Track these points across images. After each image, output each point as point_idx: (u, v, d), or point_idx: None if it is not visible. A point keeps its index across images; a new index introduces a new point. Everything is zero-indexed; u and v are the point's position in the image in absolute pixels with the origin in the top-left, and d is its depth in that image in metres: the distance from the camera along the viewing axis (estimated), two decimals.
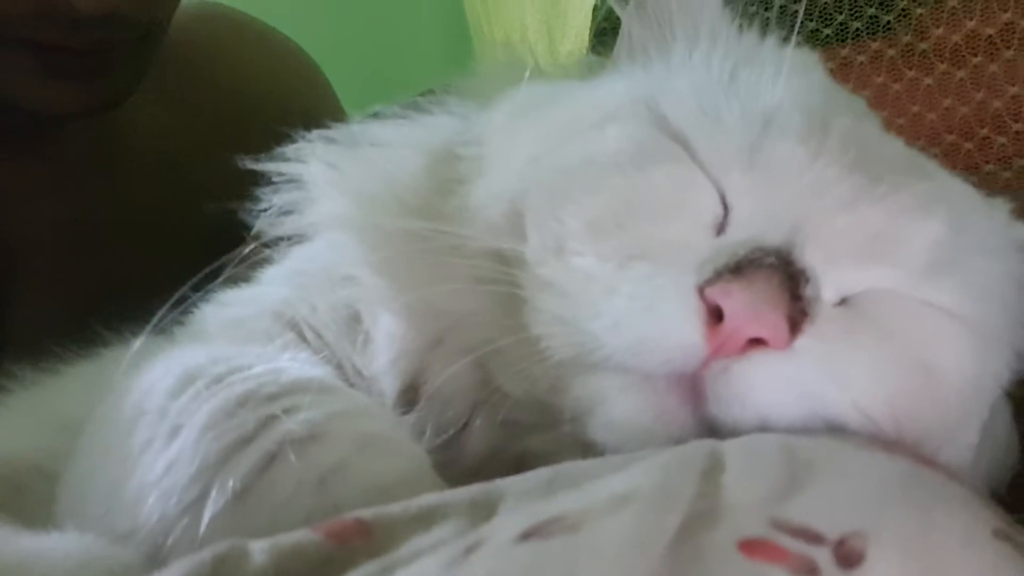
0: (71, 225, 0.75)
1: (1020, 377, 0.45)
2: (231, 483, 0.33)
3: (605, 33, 0.79)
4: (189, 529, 0.33)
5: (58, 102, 0.66)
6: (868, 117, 0.46)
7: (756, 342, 0.35)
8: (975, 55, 0.65)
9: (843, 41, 0.69)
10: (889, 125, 0.46)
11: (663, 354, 0.36)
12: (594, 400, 0.37)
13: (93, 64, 0.65)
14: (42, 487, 0.40)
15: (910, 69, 0.67)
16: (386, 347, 0.43)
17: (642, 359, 0.36)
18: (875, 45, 0.68)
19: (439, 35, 1.78)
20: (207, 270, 0.44)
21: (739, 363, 0.35)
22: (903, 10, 0.67)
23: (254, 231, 0.49)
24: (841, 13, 0.69)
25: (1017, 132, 0.63)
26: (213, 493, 0.33)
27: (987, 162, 0.64)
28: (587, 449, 0.37)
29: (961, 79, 0.65)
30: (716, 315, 0.35)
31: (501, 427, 0.42)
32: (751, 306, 0.35)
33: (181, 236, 0.75)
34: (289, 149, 0.48)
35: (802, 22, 0.46)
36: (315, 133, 0.48)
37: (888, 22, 0.68)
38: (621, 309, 0.36)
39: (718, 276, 0.36)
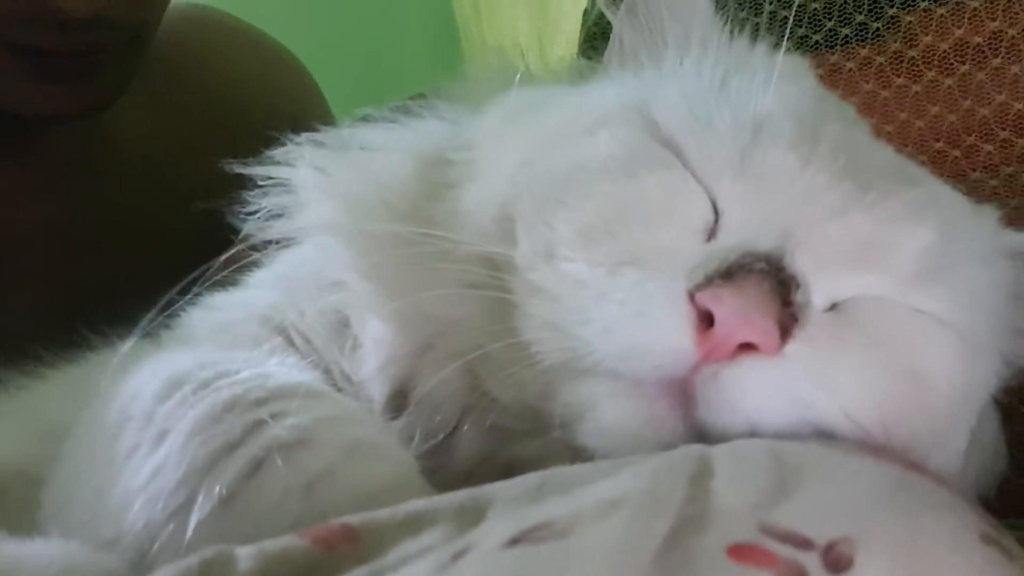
0: (58, 227, 0.75)
1: (1008, 384, 0.46)
2: (218, 489, 0.33)
3: (595, 38, 0.79)
4: (175, 535, 0.33)
5: (45, 105, 0.66)
6: (858, 124, 0.46)
7: (746, 347, 0.35)
8: (963, 63, 0.65)
9: (832, 48, 0.69)
10: (877, 132, 0.47)
11: (654, 359, 0.36)
12: (584, 406, 0.37)
13: (81, 67, 0.65)
14: (26, 493, 0.40)
15: (898, 76, 0.67)
16: (375, 352, 0.43)
17: (632, 364, 0.36)
18: (864, 52, 0.69)
19: (428, 39, 1.79)
20: (194, 274, 0.44)
21: (729, 368, 0.35)
22: (892, 17, 0.68)
23: (242, 234, 0.48)
24: (830, 19, 0.69)
25: (1004, 140, 0.64)
26: (199, 499, 0.33)
27: (974, 169, 0.64)
28: (576, 455, 0.37)
29: (949, 87, 0.65)
30: (707, 320, 0.35)
31: (490, 433, 0.42)
32: (742, 311, 0.35)
33: (168, 239, 0.74)
34: (277, 152, 0.48)
35: (791, 28, 0.46)
36: (304, 136, 0.48)
37: (877, 29, 0.68)
38: (612, 314, 0.36)
39: (709, 281, 0.36)
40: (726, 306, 0.35)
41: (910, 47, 0.67)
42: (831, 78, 0.68)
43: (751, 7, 0.68)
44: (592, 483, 0.31)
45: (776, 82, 0.42)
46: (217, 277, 0.47)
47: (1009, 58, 0.64)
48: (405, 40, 1.72)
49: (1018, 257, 0.45)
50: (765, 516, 0.28)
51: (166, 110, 0.82)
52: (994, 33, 0.64)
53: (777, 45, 0.46)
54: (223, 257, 0.46)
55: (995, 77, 0.64)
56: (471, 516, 0.31)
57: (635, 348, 0.36)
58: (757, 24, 0.48)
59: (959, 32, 0.65)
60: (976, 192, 0.49)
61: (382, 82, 1.46)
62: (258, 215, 0.47)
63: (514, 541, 0.28)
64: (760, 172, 0.40)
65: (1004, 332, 0.44)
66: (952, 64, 0.65)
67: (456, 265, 0.41)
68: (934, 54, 0.66)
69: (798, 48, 0.65)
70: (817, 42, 0.70)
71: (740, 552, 0.27)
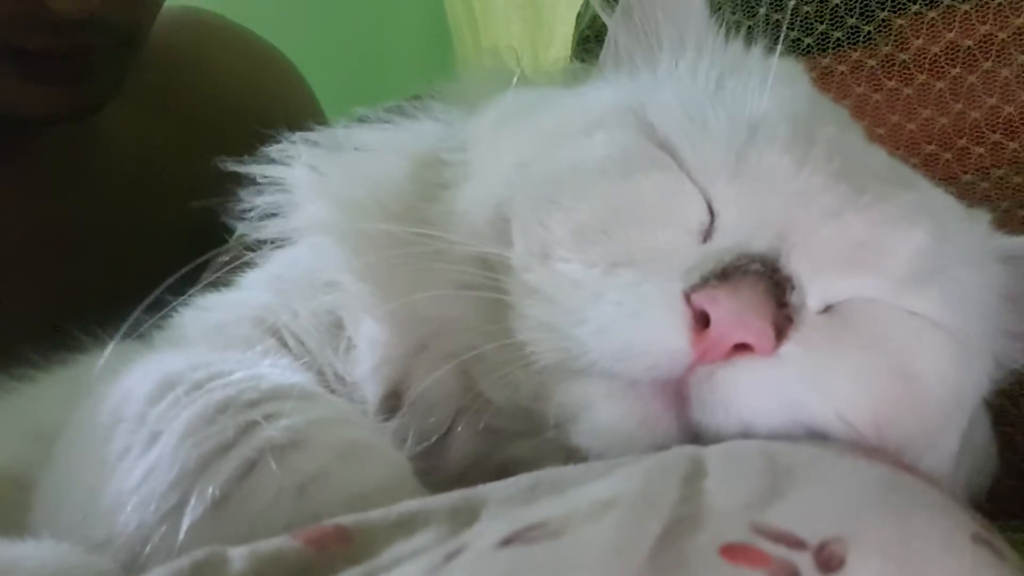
0: (50, 229, 0.74)
1: (999, 386, 0.46)
2: (210, 490, 0.33)
3: (588, 41, 0.79)
4: (167, 537, 0.33)
5: (37, 106, 0.66)
6: (852, 127, 0.47)
7: (741, 348, 0.35)
8: (954, 66, 0.65)
9: (824, 51, 0.69)
10: (869, 135, 0.47)
11: (649, 360, 0.36)
12: (578, 406, 0.37)
13: (73, 69, 0.65)
14: (17, 496, 0.40)
15: (890, 79, 0.68)
16: (369, 353, 0.43)
17: (627, 365, 0.36)
18: (855, 55, 0.69)
19: (421, 41, 1.79)
20: (181, 271, 0.44)
21: (724, 369, 0.35)
22: (883, 21, 0.68)
23: (236, 234, 0.48)
24: (822, 23, 0.70)
25: (995, 143, 0.64)
26: (192, 500, 0.33)
27: (965, 172, 0.65)
28: (570, 456, 0.37)
29: (940, 90, 0.66)
30: (702, 321, 0.35)
31: (484, 434, 0.42)
32: (737, 312, 0.35)
33: (161, 241, 0.74)
34: (272, 151, 0.47)
35: (783, 31, 0.46)
36: (298, 136, 0.48)
37: (868, 32, 0.68)
38: (607, 315, 0.37)
39: (704, 282, 0.36)
40: (722, 307, 0.35)
41: (901, 50, 0.67)
42: (823, 81, 0.68)
43: (744, 10, 0.69)
44: (585, 484, 0.31)
45: (771, 85, 0.42)
46: (210, 278, 0.46)
47: (1000, 61, 0.64)
48: (397, 43, 1.72)
49: (1009, 261, 0.45)
50: (758, 516, 0.28)
51: (158, 112, 0.82)
52: (985, 36, 0.64)
53: (771, 48, 0.46)
54: (222, 259, 0.46)
55: (986, 80, 0.64)
56: (464, 517, 0.31)
57: (630, 348, 0.36)
58: (751, 27, 0.48)
59: (950, 35, 0.65)
60: (967, 194, 0.49)
61: (374, 85, 1.46)
62: (252, 214, 0.47)
63: (507, 541, 0.28)
64: (755, 174, 0.40)
65: (996, 334, 0.44)
66: (943, 67, 0.66)
67: (451, 266, 0.41)
68: (925, 57, 0.66)
69: (790, 51, 0.66)
70: (809, 45, 0.70)
71: (733, 552, 0.27)
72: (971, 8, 0.65)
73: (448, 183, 0.45)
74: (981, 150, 0.64)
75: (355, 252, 0.44)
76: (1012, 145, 0.63)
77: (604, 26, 0.51)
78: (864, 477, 0.32)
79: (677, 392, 0.36)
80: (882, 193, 0.40)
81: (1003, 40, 0.64)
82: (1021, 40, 0.63)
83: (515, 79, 0.49)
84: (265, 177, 0.47)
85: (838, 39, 0.69)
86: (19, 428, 0.46)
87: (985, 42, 0.64)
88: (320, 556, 0.29)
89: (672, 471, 0.31)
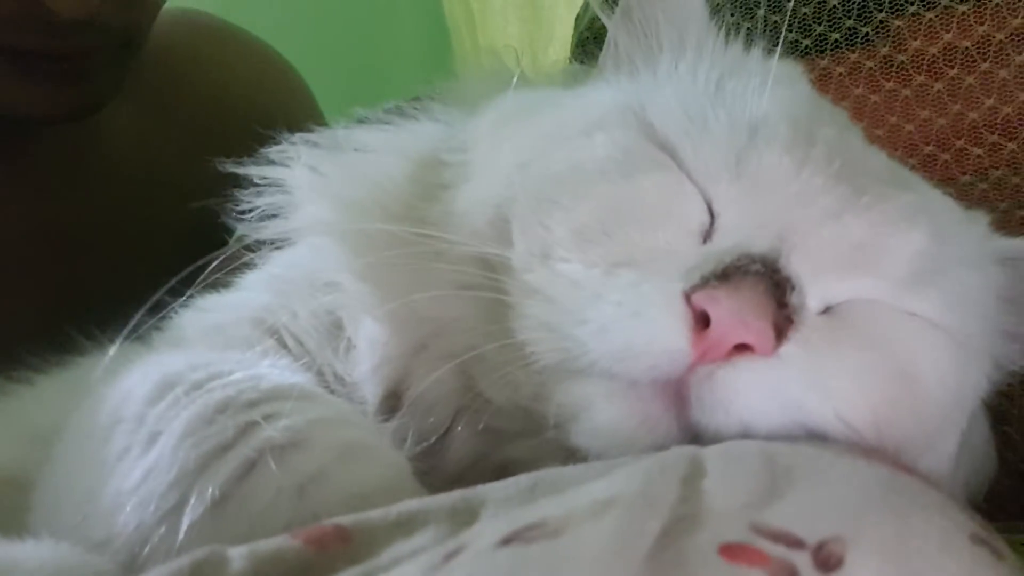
0: (48, 230, 0.74)
1: (998, 387, 0.46)
2: (210, 490, 0.33)
3: (587, 42, 0.80)
4: (167, 537, 0.33)
5: (35, 107, 0.66)
6: (851, 129, 0.47)
7: (742, 348, 0.36)
8: (952, 67, 0.65)
9: (822, 52, 0.70)
10: (868, 136, 0.47)
11: (649, 360, 0.36)
12: (578, 406, 0.37)
13: (71, 70, 0.65)
14: (15, 497, 0.40)
15: (888, 81, 0.68)
16: (369, 353, 0.43)
17: (628, 365, 0.36)
18: (853, 57, 0.69)
19: (419, 43, 1.79)
20: (181, 274, 0.44)
21: (724, 369, 0.36)
22: (881, 22, 0.68)
23: (236, 235, 0.48)
24: (820, 24, 0.70)
25: (993, 144, 0.64)
26: (192, 500, 0.33)
27: (963, 173, 0.65)
28: (569, 456, 0.37)
29: (938, 91, 0.66)
30: (702, 321, 0.35)
31: (483, 434, 0.42)
32: (737, 312, 0.35)
33: (160, 242, 0.74)
34: (272, 152, 0.48)
35: (782, 33, 0.46)
36: (298, 136, 0.48)
37: (866, 34, 0.68)
38: (608, 315, 0.37)
39: (705, 282, 0.36)
40: (722, 307, 0.35)
41: (899, 52, 0.67)
42: (821, 83, 0.68)
43: (743, 12, 0.69)
44: (584, 483, 0.31)
45: (771, 86, 0.42)
46: (209, 279, 0.46)
47: (997, 62, 0.64)
48: (396, 44, 1.72)
49: (1007, 262, 0.45)
50: (756, 516, 0.28)
51: (158, 113, 0.82)
52: (982, 37, 0.64)
53: (770, 50, 0.46)
54: (219, 259, 0.46)
55: (984, 81, 0.64)
56: (464, 517, 0.31)
57: (631, 348, 0.36)
58: (749, 28, 0.48)
59: (948, 36, 0.66)
60: (965, 195, 0.49)
61: (373, 86, 1.46)
62: (252, 214, 0.47)
63: (506, 541, 0.28)
64: (755, 175, 0.40)
65: (994, 336, 0.44)
66: (941, 68, 0.66)
67: (451, 266, 0.41)
68: (923, 58, 0.66)
69: (788, 53, 0.66)
70: (807, 47, 0.70)
71: (732, 551, 0.27)
72: (969, 9, 0.65)
73: (448, 183, 0.45)
74: (979, 151, 0.64)
75: (355, 252, 0.44)
76: (1010, 146, 0.63)
77: (603, 27, 0.51)
78: (863, 477, 0.32)
79: (677, 392, 0.36)
80: (882, 194, 0.40)
81: (1001, 41, 0.64)
82: (1019, 41, 0.64)
83: (515, 80, 0.49)
84: (265, 178, 0.47)
85: (836, 40, 0.69)
86: (18, 429, 0.46)
87: (983, 43, 0.64)
88: (319, 556, 0.30)
89: (671, 471, 0.31)
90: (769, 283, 0.36)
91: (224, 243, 0.52)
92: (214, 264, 0.46)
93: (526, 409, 0.40)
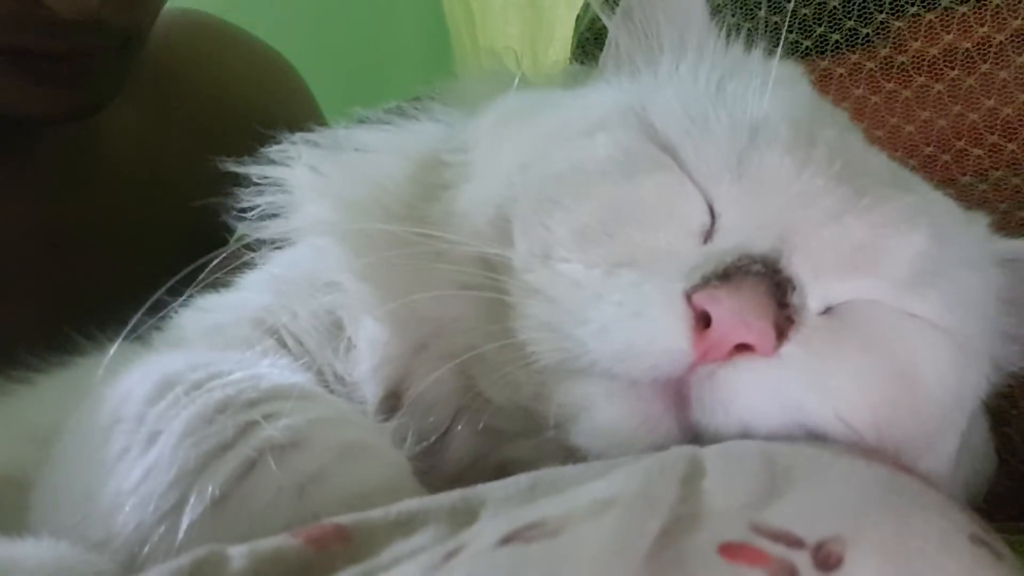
0: (49, 231, 0.74)
1: (998, 389, 0.46)
2: (210, 490, 0.33)
3: (587, 43, 0.80)
4: (166, 537, 0.33)
5: (35, 107, 0.66)
6: (852, 130, 0.47)
7: (742, 348, 0.36)
8: (952, 68, 0.65)
9: (823, 53, 0.70)
10: (868, 137, 0.47)
11: (650, 359, 0.36)
12: (579, 406, 0.37)
13: (71, 70, 0.65)
14: (15, 498, 0.40)
15: (888, 81, 0.68)
16: (369, 353, 0.43)
17: (628, 365, 0.36)
18: (854, 57, 0.69)
19: (419, 43, 1.79)
20: (181, 274, 0.44)
21: (724, 368, 0.36)
22: (882, 23, 0.68)
23: (236, 234, 0.48)
24: (820, 25, 0.70)
25: (993, 144, 0.64)
26: (191, 500, 0.33)
27: (964, 174, 0.65)
28: (569, 456, 0.37)
29: (938, 92, 0.66)
30: (703, 321, 0.36)
31: (483, 434, 0.42)
32: (738, 312, 0.35)
33: (160, 242, 0.74)
34: (272, 151, 0.48)
35: (782, 34, 0.46)
36: (299, 136, 0.48)
37: (867, 35, 0.68)
38: (609, 315, 0.37)
39: (706, 282, 0.36)
40: (723, 307, 0.35)
41: (900, 53, 0.68)
42: (822, 84, 0.68)
43: (744, 12, 0.69)
44: (584, 483, 0.31)
45: (771, 87, 0.42)
46: (209, 279, 0.46)
47: (998, 63, 0.64)
48: (396, 45, 1.72)
49: (1007, 263, 0.45)
50: (756, 515, 0.29)
51: (158, 113, 0.82)
52: (983, 38, 0.64)
53: (771, 50, 0.46)
54: (218, 258, 0.46)
55: (984, 82, 0.64)
56: (463, 516, 0.31)
57: (631, 348, 0.36)
58: (750, 29, 0.48)
59: (948, 37, 0.66)
60: (965, 196, 0.49)
61: (373, 86, 1.46)
62: (252, 214, 0.47)
63: (506, 540, 0.28)
64: (757, 175, 0.40)
65: (994, 337, 0.44)
66: (941, 69, 0.66)
67: (451, 266, 0.41)
68: (924, 59, 0.66)
69: (789, 54, 0.66)
70: (808, 48, 0.70)
71: (731, 551, 0.27)
72: (969, 10, 0.65)
73: (449, 183, 0.45)
74: (979, 152, 0.64)
75: (356, 252, 0.44)
76: (1010, 147, 0.63)
77: (604, 28, 0.51)
78: (863, 477, 0.32)
79: (677, 392, 0.36)
80: (882, 196, 0.40)
81: (1001, 42, 0.64)
82: (1019, 42, 0.64)
83: (516, 80, 0.49)
84: (265, 177, 0.47)
85: (837, 41, 0.69)
86: (18, 429, 0.46)
87: (983, 44, 0.64)
88: (319, 555, 0.29)
89: (671, 471, 0.31)
90: (770, 283, 0.36)
91: (225, 243, 0.52)
92: (214, 263, 0.46)
93: (526, 409, 0.40)
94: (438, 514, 0.31)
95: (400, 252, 0.42)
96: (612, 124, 0.43)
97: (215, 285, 0.49)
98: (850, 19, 0.69)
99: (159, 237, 0.76)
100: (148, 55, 0.73)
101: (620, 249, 0.38)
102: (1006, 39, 0.64)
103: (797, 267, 0.38)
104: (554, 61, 1.05)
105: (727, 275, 0.36)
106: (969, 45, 0.65)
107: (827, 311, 0.39)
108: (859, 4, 0.69)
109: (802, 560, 0.27)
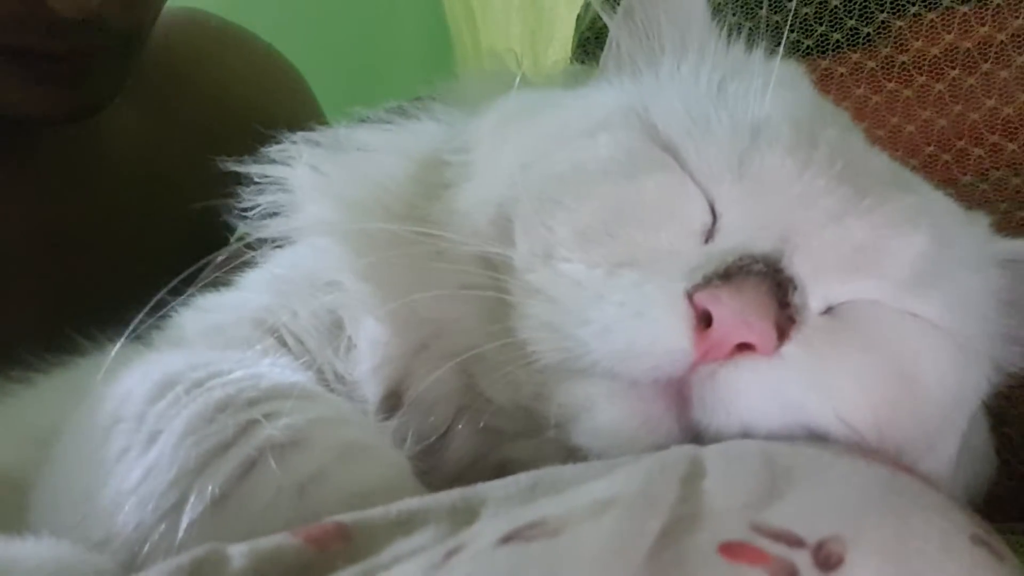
0: (50, 231, 0.74)
1: (998, 389, 0.46)
2: (210, 489, 0.33)
3: (588, 43, 0.80)
4: (166, 536, 0.33)
5: (36, 107, 0.66)
6: (853, 130, 0.47)
7: (743, 348, 0.36)
8: (953, 68, 0.65)
9: (823, 53, 0.70)
10: (868, 136, 0.47)
11: (651, 359, 0.36)
12: (580, 406, 0.37)
13: (72, 70, 0.65)
14: (15, 498, 0.40)
15: (889, 81, 0.68)
16: (369, 353, 0.43)
17: (630, 364, 0.36)
18: (855, 57, 0.69)
19: (420, 43, 1.78)
20: (183, 275, 0.44)
21: (726, 368, 0.36)
22: (883, 23, 0.68)
23: (237, 233, 0.48)
24: (821, 25, 0.70)
25: (994, 144, 0.64)
26: (191, 499, 0.33)
27: (964, 173, 0.65)
28: (570, 456, 0.37)
29: (939, 91, 0.66)
30: (704, 321, 0.36)
31: (483, 434, 0.42)
32: (740, 312, 0.35)
33: (160, 242, 0.74)
34: (273, 151, 0.48)
35: (784, 34, 0.46)
36: (300, 136, 0.48)
37: (868, 34, 0.68)
38: (610, 315, 0.37)
39: (707, 282, 0.36)
40: (725, 306, 0.35)
41: (901, 52, 0.68)
42: (823, 83, 0.68)
43: (745, 12, 0.69)
44: (585, 483, 0.31)
45: (773, 88, 0.42)
46: (211, 278, 0.46)
47: (998, 63, 0.64)
48: (396, 45, 1.72)
49: (1008, 264, 0.45)
50: (757, 515, 0.28)
51: (159, 113, 0.82)
52: (984, 38, 0.64)
53: (772, 50, 0.46)
54: (219, 258, 0.46)
55: (985, 82, 0.64)
56: (464, 515, 0.31)
57: (633, 348, 0.36)
58: (751, 29, 0.48)
59: (949, 37, 0.66)
60: (966, 196, 0.49)
61: (374, 85, 1.46)
62: (253, 213, 0.47)
63: (506, 539, 0.28)
64: (758, 176, 0.40)
65: (995, 338, 0.44)
66: (942, 69, 0.66)
67: (452, 265, 0.41)
68: (925, 59, 0.66)
69: (790, 53, 0.66)
70: (808, 47, 0.70)
71: (732, 550, 0.27)
72: (970, 10, 0.65)
73: (450, 183, 0.45)
74: (980, 152, 0.64)
75: (356, 252, 0.44)
76: (1011, 147, 0.63)
77: (604, 28, 0.51)
78: (863, 477, 0.32)
79: (678, 392, 0.36)
80: (883, 196, 0.40)
81: (1002, 42, 0.64)
82: (1020, 42, 0.64)
83: (517, 80, 0.49)
84: (266, 177, 0.47)
85: (837, 41, 0.69)
86: (18, 430, 0.46)
87: (984, 44, 0.64)
88: (320, 554, 0.30)
89: (671, 471, 0.31)
90: (771, 283, 0.36)
91: (225, 243, 0.52)
92: (215, 263, 0.46)
93: (527, 409, 0.40)
94: (438, 513, 0.31)
95: (401, 252, 0.42)
96: (614, 124, 0.43)
97: (216, 284, 0.49)
98: (851, 18, 0.69)
99: (159, 237, 0.76)
100: (149, 55, 0.73)
101: (621, 249, 0.38)
102: (1007, 39, 0.64)
103: (798, 267, 0.38)
104: (555, 61, 1.05)
105: (728, 275, 0.36)
106: (970, 45, 0.65)
107: (828, 311, 0.39)
108: (860, 3, 0.69)
109: (802, 560, 0.27)
